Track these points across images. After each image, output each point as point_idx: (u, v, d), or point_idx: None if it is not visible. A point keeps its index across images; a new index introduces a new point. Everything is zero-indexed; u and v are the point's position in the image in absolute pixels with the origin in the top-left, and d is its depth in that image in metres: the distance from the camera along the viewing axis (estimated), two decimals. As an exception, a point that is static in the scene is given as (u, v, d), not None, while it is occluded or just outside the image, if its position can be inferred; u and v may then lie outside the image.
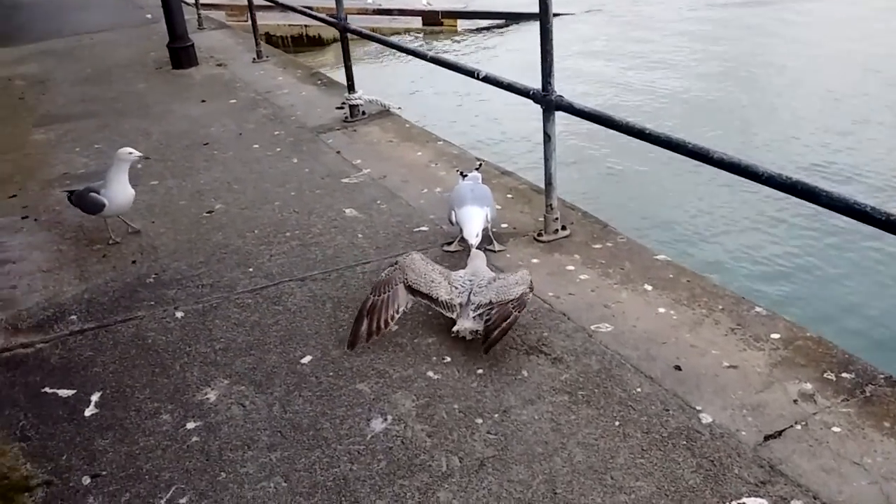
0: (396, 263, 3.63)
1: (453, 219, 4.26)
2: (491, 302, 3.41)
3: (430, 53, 5.19)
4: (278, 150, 6.27)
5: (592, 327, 3.59)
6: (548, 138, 4.18)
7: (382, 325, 3.43)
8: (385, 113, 6.96)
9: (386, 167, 5.71)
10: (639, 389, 3.16)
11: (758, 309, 3.64)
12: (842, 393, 3.07)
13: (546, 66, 3.97)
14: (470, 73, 4.68)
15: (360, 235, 4.65)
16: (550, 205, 4.36)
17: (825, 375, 3.18)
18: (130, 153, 4.76)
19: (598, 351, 3.42)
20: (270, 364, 3.47)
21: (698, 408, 3.05)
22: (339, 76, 8.65)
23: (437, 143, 6.17)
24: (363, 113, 6.86)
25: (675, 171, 7.38)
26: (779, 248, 6.60)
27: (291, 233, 4.75)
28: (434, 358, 3.44)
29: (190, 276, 4.31)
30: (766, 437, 2.89)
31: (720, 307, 3.68)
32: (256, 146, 6.38)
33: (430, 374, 3.34)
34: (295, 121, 6.99)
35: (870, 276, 6.03)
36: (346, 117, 6.85)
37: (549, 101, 4.05)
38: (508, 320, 3.34)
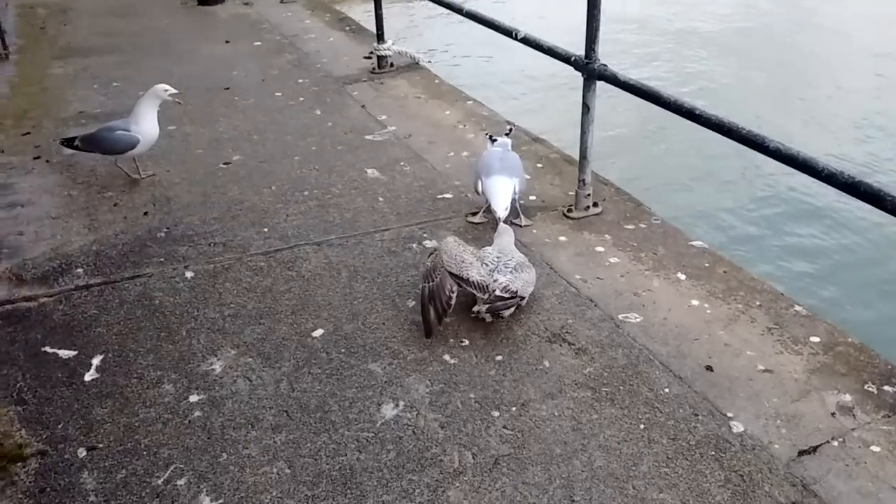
0: (436, 250, 3.44)
1: (479, 188, 4.05)
2: (515, 294, 3.23)
3: (466, 8, 4.90)
4: (301, 99, 6.04)
5: (620, 317, 3.39)
6: (587, 109, 3.92)
7: (446, 307, 3.24)
8: (414, 66, 6.68)
9: (412, 125, 5.47)
10: (667, 390, 2.98)
11: (797, 308, 3.43)
12: (883, 408, 2.88)
13: (591, 32, 3.70)
14: (507, 33, 4.40)
15: (380, 199, 4.45)
16: (583, 180, 4.13)
17: (866, 387, 2.98)
18: (167, 90, 4.59)
19: (626, 344, 3.23)
20: (280, 336, 3.31)
21: (729, 414, 2.86)
22: (368, 22, 8.39)
23: (467, 102, 5.90)
24: (391, 65, 6.59)
25: (722, 153, 7.06)
26: (826, 244, 6.27)
27: (310, 191, 4.56)
28: (451, 340, 3.27)
29: (202, 232, 4.15)
30: (801, 453, 2.70)
31: (757, 303, 3.47)
32: (279, 94, 6.15)
33: (447, 357, 3.17)
34: (320, 69, 6.73)
35: None
36: (374, 68, 6.58)
37: (591, 70, 3.78)
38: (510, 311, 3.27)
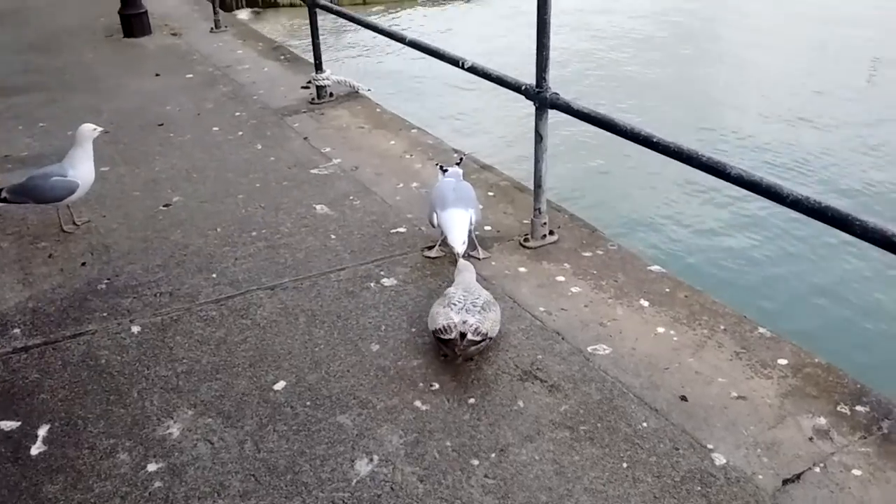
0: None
1: (435, 221, 3.96)
2: (486, 336, 3.14)
3: (409, 37, 4.82)
4: (240, 133, 5.86)
5: (589, 349, 3.34)
6: (539, 138, 3.88)
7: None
8: (354, 95, 6.58)
9: (357, 157, 5.36)
10: (645, 424, 2.93)
11: (761, 330, 3.44)
12: (858, 429, 2.89)
13: (541, 61, 3.67)
14: (454, 62, 4.35)
15: (332, 237, 4.31)
16: (539, 209, 4.08)
17: (839, 409, 2.99)
18: (94, 129, 4.37)
19: (598, 378, 3.17)
20: (240, 391, 3.14)
21: (710, 446, 2.83)
22: (299, 47, 8.28)
23: (412, 131, 5.82)
24: (331, 94, 6.47)
25: (666, 171, 7.16)
26: (768, 256, 6.40)
27: (258, 232, 4.39)
28: (421, 384, 3.16)
29: (146, 282, 3.93)
30: (785, 482, 2.68)
31: (721, 327, 3.47)
32: (216, 129, 5.95)
33: (418, 403, 3.06)
34: (257, 100, 6.56)
35: (862, 292, 5.88)
36: (313, 98, 6.45)
37: (543, 99, 3.75)
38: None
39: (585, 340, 3.40)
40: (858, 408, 2.99)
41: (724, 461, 2.77)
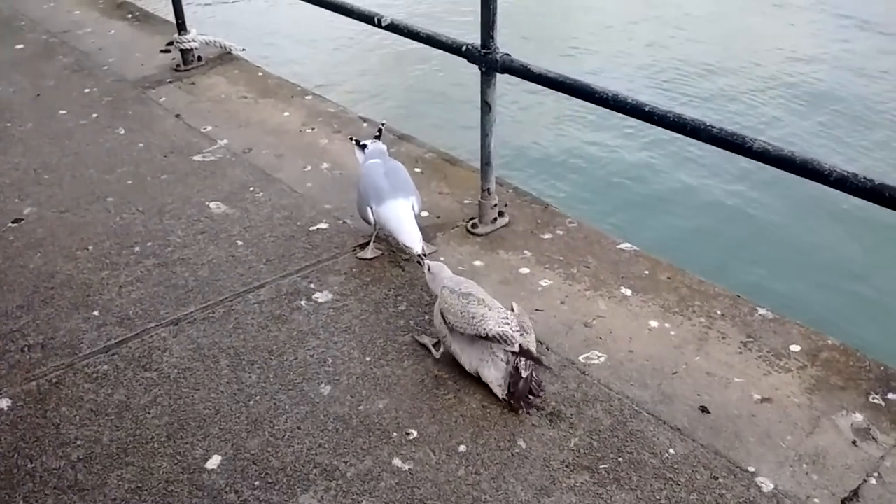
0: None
1: (371, 218, 3.30)
2: (521, 349, 2.56)
3: (302, -11, 4.01)
4: (94, 116, 4.85)
5: (581, 359, 2.83)
6: (487, 108, 3.26)
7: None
8: (227, 57, 5.64)
9: (248, 135, 4.53)
10: (672, 451, 2.47)
11: (761, 311, 3.05)
12: (899, 423, 2.56)
13: (488, 16, 3.02)
14: (369, 20, 3.60)
15: (239, 243, 3.54)
16: (488, 189, 3.49)
17: (871, 399, 2.65)
18: None
19: (602, 395, 2.68)
20: (161, 477, 2.41)
21: (751, 469, 2.41)
22: (148, 2, 7.13)
23: (306, 97, 5.01)
24: (199, 58, 5.51)
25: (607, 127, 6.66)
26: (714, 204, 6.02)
27: (142, 246, 3.55)
28: (395, 434, 2.55)
29: (6, 332, 3.05)
30: (843, 501, 2.31)
31: (718, 312, 3.05)
32: (63, 112, 4.90)
33: (397, 462, 2.45)
34: (109, 72, 5.49)
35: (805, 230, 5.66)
36: (178, 65, 5.46)
37: (491, 62, 3.11)
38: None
39: (574, 348, 2.88)
40: (891, 395, 2.66)
41: (772, 486, 2.35)
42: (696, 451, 2.47)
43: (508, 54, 3.10)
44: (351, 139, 3.81)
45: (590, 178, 5.93)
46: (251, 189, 3.97)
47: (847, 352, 2.85)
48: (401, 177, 3.39)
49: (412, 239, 3.11)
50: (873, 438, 2.51)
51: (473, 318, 2.61)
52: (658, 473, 2.40)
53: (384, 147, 3.66)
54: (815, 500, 2.31)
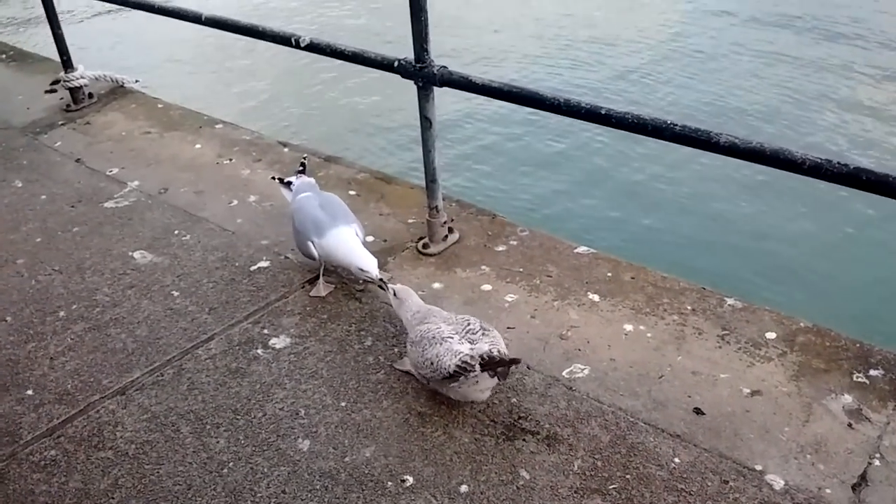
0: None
1: (314, 252, 3.09)
2: (503, 356, 2.42)
3: (206, 14, 3.73)
4: (-16, 169, 4.41)
5: (565, 374, 2.74)
6: (428, 123, 3.11)
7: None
8: (120, 91, 5.26)
9: (160, 174, 4.21)
10: (677, 460, 2.40)
11: (730, 301, 3.04)
12: (886, 399, 2.58)
13: (420, 28, 2.87)
14: (285, 41, 3.38)
15: (175, 293, 3.26)
16: (436, 206, 3.35)
17: (855, 378, 2.67)
18: None
19: (594, 410, 2.59)
20: (142, 573, 2.15)
21: (758, 467, 2.37)
22: (26, 40, 6.59)
23: (216, 126, 4.72)
24: (90, 95, 5.11)
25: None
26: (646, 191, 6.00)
27: (67, 310, 3.21)
28: (389, 484, 2.37)
29: (-76, 428, 2.68)
30: (854, 488, 2.30)
31: (688, 307, 3.02)
32: (-55, 168, 4.43)
33: (398, 514, 2.28)
34: (-10, 119, 5.02)
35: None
36: (68, 105, 5.05)
37: (428, 76, 2.96)
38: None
39: (555, 363, 2.78)
40: (873, 372, 2.69)
41: (783, 482, 2.32)
42: (700, 457, 2.41)
43: (445, 67, 2.96)
44: (273, 178, 3.57)
45: (527, 184, 5.83)
46: (176, 232, 3.67)
47: (821, 332, 2.87)
48: (337, 206, 3.20)
49: (366, 262, 2.93)
50: (866, 418, 2.52)
51: (432, 363, 2.47)
52: (669, 486, 2.33)
53: (312, 180, 3.45)
54: (827, 491, 2.29)
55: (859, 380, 2.67)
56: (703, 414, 2.57)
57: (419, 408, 2.63)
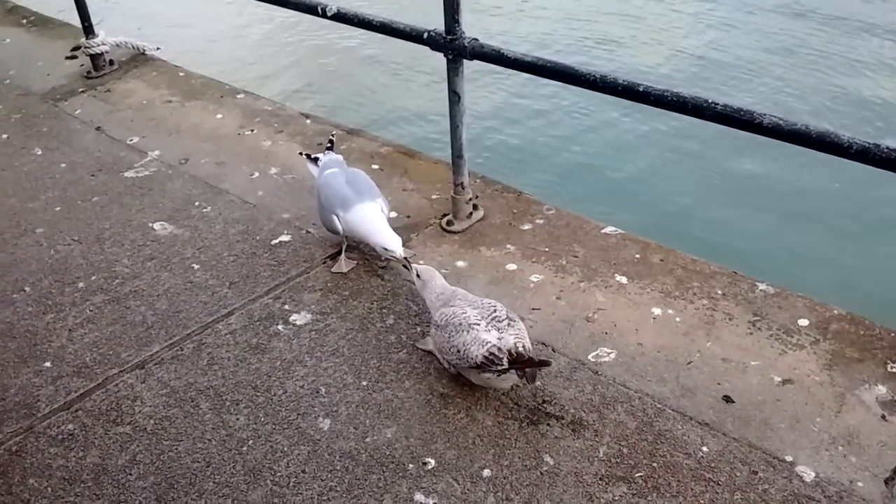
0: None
1: (339, 227, 3.04)
2: (531, 357, 2.36)
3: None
4: (5, 137, 4.37)
5: (591, 357, 2.68)
6: (456, 98, 3.03)
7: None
8: (141, 58, 5.20)
9: (181, 144, 4.16)
10: (705, 448, 2.35)
11: (761, 287, 2.95)
12: (923, 391, 2.51)
13: (451, 1, 2.78)
14: (312, 10, 3.30)
15: (195, 266, 3.23)
16: (462, 183, 3.28)
17: (889, 369, 2.59)
18: None
19: (621, 396, 2.53)
20: (161, 550, 2.14)
21: (788, 458, 2.31)
22: (47, 5, 6.51)
23: (238, 96, 4.65)
24: (111, 62, 5.06)
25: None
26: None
27: (86, 281, 3.19)
28: (411, 466, 2.33)
29: (-56, 397, 2.67)
30: (887, 482, 2.24)
31: (719, 292, 2.94)
32: (-34, 135, 4.41)
33: (419, 497, 2.24)
34: (12, 85, 4.98)
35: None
36: (89, 72, 5.00)
37: (459, 48, 2.88)
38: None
39: (581, 346, 2.72)
40: (908, 362, 2.62)
41: (814, 474, 2.26)
42: (729, 446, 2.36)
43: (477, 39, 2.87)
44: (301, 154, 3.52)
45: (551, 161, 5.71)
46: (197, 204, 3.63)
47: (855, 321, 2.79)
48: (363, 182, 3.15)
49: (390, 241, 2.88)
50: (900, 410, 2.46)
51: (459, 351, 2.41)
52: (696, 475, 2.27)
53: (339, 157, 3.39)
54: (859, 484, 2.23)
55: (894, 370, 2.59)
56: (733, 402, 2.50)
57: (441, 389, 2.58)
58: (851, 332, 2.75)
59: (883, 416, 2.44)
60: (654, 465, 2.31)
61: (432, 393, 2.57)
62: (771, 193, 5.41)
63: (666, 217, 5.00)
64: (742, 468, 2.29)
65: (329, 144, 3.45)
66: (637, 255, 3.15)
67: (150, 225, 3.51)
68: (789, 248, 4.76)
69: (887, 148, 2.11)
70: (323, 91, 6.79)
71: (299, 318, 2.91)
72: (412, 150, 3.98)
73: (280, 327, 2.87)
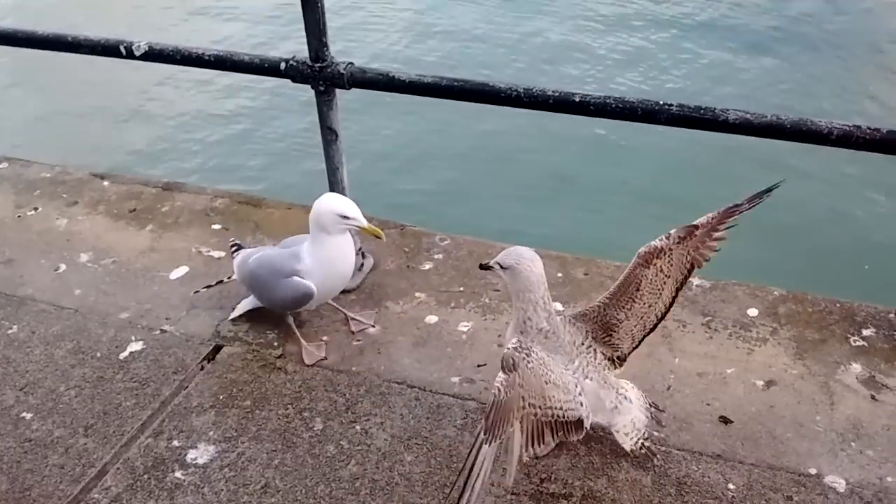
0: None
1: (304, 285, 2.45)
2: None
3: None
4: None
5: (566, 409, 2.32)
6: (333, 135, 2.49)
7: None
8: None
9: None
10: (731, 486, 2.11)
11: (696, 282, 2.77)
12: (892, 359, 2.47)
13: (316, 22, 2.22)
14: (113, 51, 2.54)
15: (27, 416, 2.39)
16: (348, 232, 2.74)
17: (854, 343, 2.54)
18: None
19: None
20: None
21: (812, 471, 2.15)
22: None
23: (0, 166, 3.66)
24: None
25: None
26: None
27: None
28: None
29: None
30: (911, 471, 2.14)
31: (658, 296, 2.71)
32: None
33: None
34: None
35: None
36: None
37: (333, 76, 2.33)
38: None
39: (550, 399, 2.35)
40: (865, 332, 2.57)
41: (843, 482, 2.11)
42: (752, 476, 2.13)
43: (352, 62, 2.34)
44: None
45: (423, 180, 5.03)
46: (-7, 324, 2.74)
47: (798, 298, 2.71)
48: (292, 239, 2.60)
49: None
50: (884, 385, 2.39)
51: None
52: (737, 518, 2.02)
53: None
54: (889, 479, 2.11)
55: (857, 343, 2.53)
56: (731, 422, 2.29)
57: (418, 500, 2.09)
58: (800, 311, 2.66)
59: (872, 397, 2.35)
60: (689, 517, 2.03)
61: (410, 508, 2.08)
62: (652, 183, 5.17)
63: (562, 226, 4.61)
64: (775, 496, 2.08)
65: (234, 248, 2.74)
66: (559, 274, 2.83)
67: (-67, 370, 2.58)
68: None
69: (869, 128, 1.94)
70: (118, 140, 5.55)
71: (199, 455, 2.24)
72: (255, 196, 3.33)
73: (179, 474, 2.19)
